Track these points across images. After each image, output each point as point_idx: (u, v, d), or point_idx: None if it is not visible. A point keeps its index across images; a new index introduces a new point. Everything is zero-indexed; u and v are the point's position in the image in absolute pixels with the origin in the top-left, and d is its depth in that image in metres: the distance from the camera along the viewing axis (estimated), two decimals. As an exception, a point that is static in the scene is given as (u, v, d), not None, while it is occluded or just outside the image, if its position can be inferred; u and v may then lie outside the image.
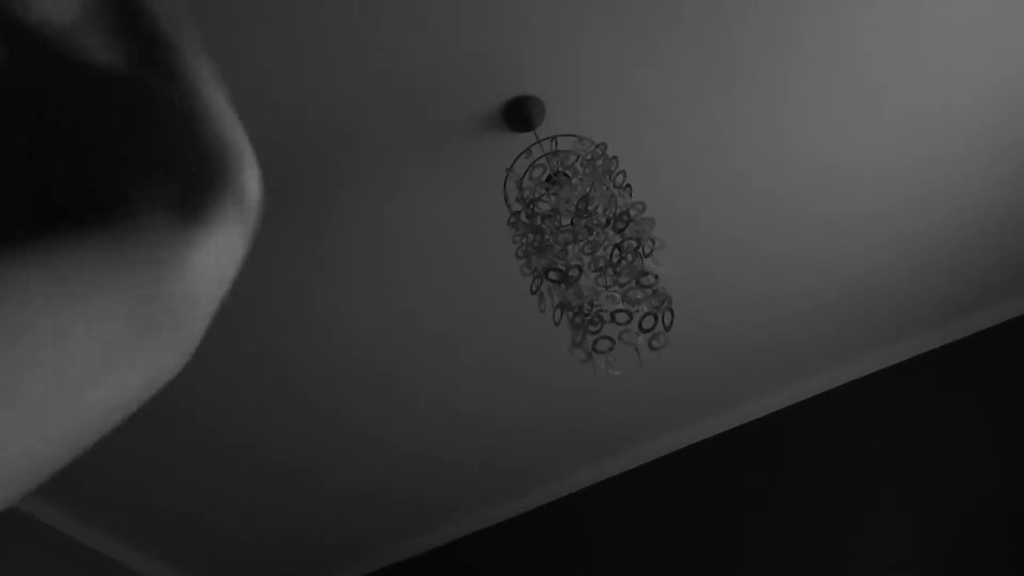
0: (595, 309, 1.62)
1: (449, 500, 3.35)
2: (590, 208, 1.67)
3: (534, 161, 1.76)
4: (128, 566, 3.09)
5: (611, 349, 1.60)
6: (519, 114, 1.92)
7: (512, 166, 1.81)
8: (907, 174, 2.48)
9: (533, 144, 1.82)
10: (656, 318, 1.60)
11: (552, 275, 1.62)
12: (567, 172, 1.77)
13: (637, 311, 1.62)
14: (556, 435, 3.16)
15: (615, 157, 1.74)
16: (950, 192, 2.58)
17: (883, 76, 2.14)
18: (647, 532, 3.19)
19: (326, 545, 3.43)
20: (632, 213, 1.74)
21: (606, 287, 1.64)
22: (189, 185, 0.20)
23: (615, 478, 3.38)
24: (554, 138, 1.81)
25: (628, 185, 1.77)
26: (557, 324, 1.61)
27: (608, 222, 1.68)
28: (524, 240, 1.72)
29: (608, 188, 1.69)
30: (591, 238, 1.67)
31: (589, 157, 1.73)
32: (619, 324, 1.64)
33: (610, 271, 1.65)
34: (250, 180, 0.23)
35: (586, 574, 3.19)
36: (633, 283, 1.64)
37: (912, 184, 2.51)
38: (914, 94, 2.23)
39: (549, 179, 1.75)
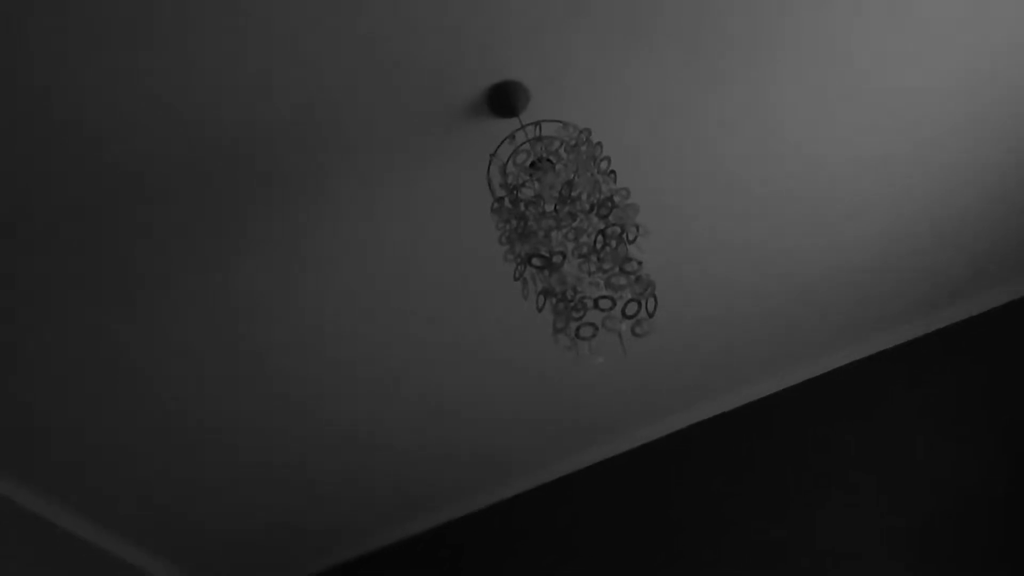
0: (578, 295, 1.62)
1: (431, 488, 3.35)
2: (574, 194, 1.66)
3: (518, 147, 1.75)
4: (116, 556, 3.07)
5: (594, 335, 1.60)
6: (503, 99, 1.90)
7: (496, 152, 1.80)
8: (890, 166, 2.49)
9: (517, 130, 1.81)
10: (639, 304, 1.60)
11: (535, 261, 1.61)
12: (551, 158, 1.76)
13: (620, 297, 1.62)
14: (538, 423, 3.16)
15: (599, 143, 1.74)
16: (933, 183, 2.60)
17: (868, 68, 2.15)
18: (628, 520, 3.21)
19: (309, 535, 3.42)
20: (616, 199, 1.73)
21: (589, 273, 1.64)
22: None
23: (596, 466, 3.40)
24: (538, 123, 1.80)
25: (612, 171, 1.77)
26: (540, 310, 1.60)
27: (592, 208, 1.67)
28: (507, 226, 1.71)
29: (592, 174, 1.69)
30: (575, 224, 1.67)
31: (573, 143, 1.72)
32: (602, 310, 1.64)
33: (594, 257, 1.65)
34: None
35: (567, 560, 3.21)
36: (616, 269, 1.63)
37: (895, 175, 2.53)
38: (898, 87, 2.23)
39: (533, 165, 1.74)
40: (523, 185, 1.70)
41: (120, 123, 1.74)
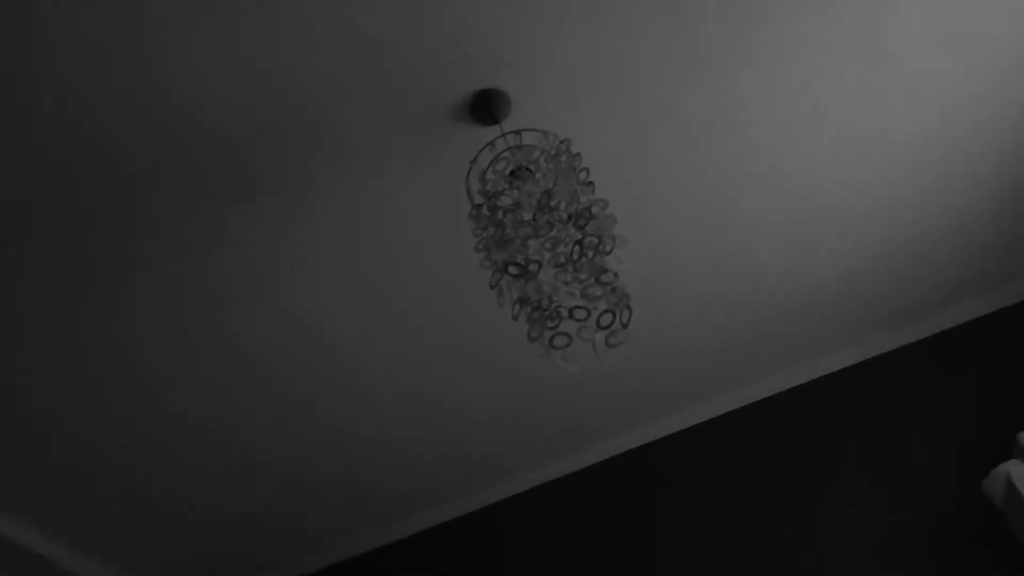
0: (554, 305, 1.62)
1: (422, 490, 3.34)
2: (552, 203, 1.67)
3: (498, 154, 1.76)
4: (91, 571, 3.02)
5: (568, 345, 1.61)
6: (485, 107, 1.91)
7: (476, 158, 1.80)
8: (870, 182, 2.53)
9: (497, 137, 1.81)
10: (614, 315, 1.61)
11: (512, 269, 1.61)
12: (530, 167, 1.76)
13: (596, 308, 1.62)
14: (533, 425, 3.16)
15: (579, 153, 1.74)
16: (914, 199, 2.65)
17: (849, 84, 2.18)
18: (625, 520, 3.22)
19: (300, 535, 3.38)
20: (594, 210, 1.74)
21: (566, 283, 1.64)
22: None
23: (582, 471, 3.41)
24: (519, 132, 1.80)
25: (591, 182, 1.78)
26: (515, 319, 1.61)
27: (570, 218, 1.68)
28: (485, 233, 1.71)
29: (571, 184, 1.69)
30: (552, 233, 1.67)
31: (553, 152, 1.72)
32: (577, 320, 1.64)
33: (570, 267, 1.66)
34: None
35: (552, 565, 3.21)
36: (592, 280, 1.64)
37: (876, 191, 2.57)
38: (879, 102, 2.27)
39: (512, 173, 1.74)
40: (502, 193, 1.71)
41: (112, 121, 1.71)
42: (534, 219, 1.65)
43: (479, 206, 1.72)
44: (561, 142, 1.71)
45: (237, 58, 1.68)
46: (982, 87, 2.32)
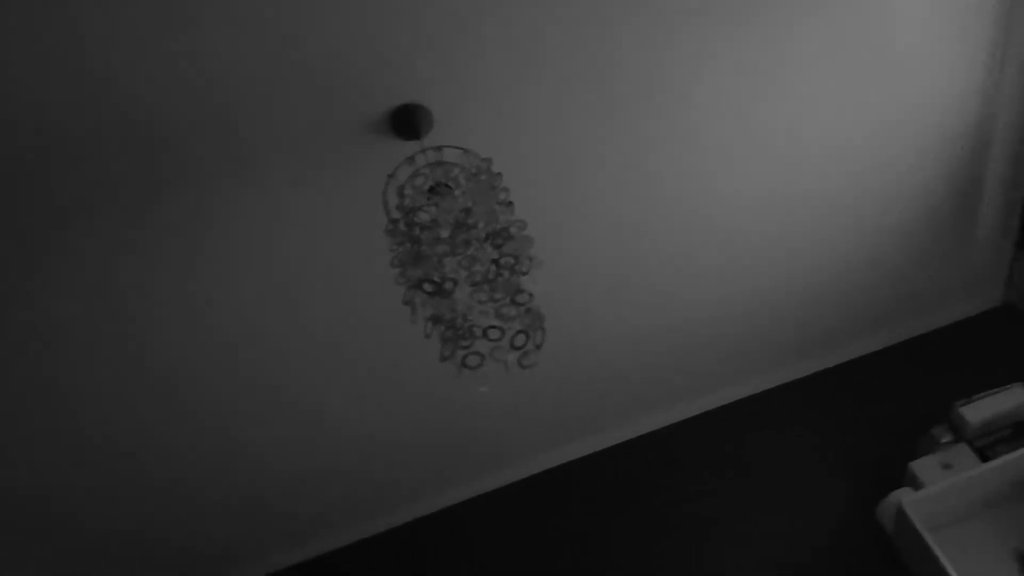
0: (467, 324, 1.61)
1: (322, 512, 3.23)
2: (470, 222, 1.65)
3: (417, 170, 1.73)
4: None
5: (480, 365, 1.59)
6: (406, 121, 1.88)
7: (394, 173, 1.78)
8: (774, 231, 2.63)
9: (417, 152, 1.79)
10: (527, 336, 1.60)
11: (427, 286, 1.59)
12: (450, 184, 1.75)
13: (510, 328, 1.61)
14: (437, 447, 3.11)
15: (499, 173, 1.74)
16: (812, 249, 2.76)
17: (761, 131, 2.26)
18: (519, 549, 3.20)
19: (196, 556, 3.21)
20: (512, 230, 1.74)
21: (480, 302, 1.63)
22: None
23: (490, 493, 3.38)
24: (440, 148, 1.78)
25: (510, 202, 1.77)
26: (428, 337, 1.58)
27: (487, 237, 1.67)
28: (401, 249, 1.68)
29: (490, 203, 1.68)
30: (469, 252, 1.66)
31: (474, 171, 1.71)
32: (491, 340, 1.63)
33: (486, 287, 1.64)
34: None
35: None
36: (508, 300, 1.63)
37: (777, 240, 2.67)
38: (783, 151, 2.36)
39: (431, 189, 1.72)
40: (420, 209, 1.68)
41: (17, 115, 1.61)
42: (451, 237, 1.64)
43: (395, 221, 1.69)
44: (482, 161, 1.71)
45: (156, 58, 1.61)
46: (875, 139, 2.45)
